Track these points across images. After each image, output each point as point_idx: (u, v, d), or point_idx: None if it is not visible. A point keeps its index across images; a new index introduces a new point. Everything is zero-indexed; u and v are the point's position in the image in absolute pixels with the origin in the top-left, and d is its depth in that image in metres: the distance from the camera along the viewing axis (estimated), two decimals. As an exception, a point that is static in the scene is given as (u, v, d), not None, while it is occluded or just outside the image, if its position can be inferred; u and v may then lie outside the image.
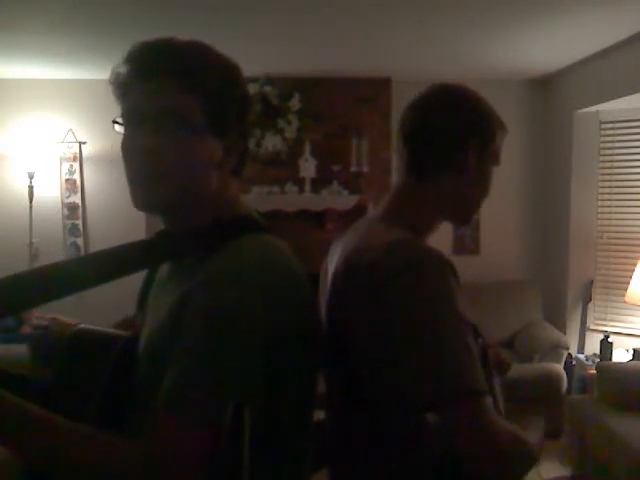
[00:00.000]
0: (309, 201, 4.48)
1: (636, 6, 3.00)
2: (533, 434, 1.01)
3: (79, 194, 4.68)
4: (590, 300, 4.30)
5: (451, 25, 3.38)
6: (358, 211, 4.27)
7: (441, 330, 0.90)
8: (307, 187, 4.50)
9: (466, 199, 1.13)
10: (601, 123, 4.27)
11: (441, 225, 1.15)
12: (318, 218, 4.51)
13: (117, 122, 0.91)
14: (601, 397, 3.16)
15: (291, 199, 4.47)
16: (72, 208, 4.68)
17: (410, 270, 0.93)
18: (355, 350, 1.00)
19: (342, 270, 1.03)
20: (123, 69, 0.90)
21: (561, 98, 4.53)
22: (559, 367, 3.82)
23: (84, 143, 4.64)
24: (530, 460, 0.90)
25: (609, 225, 4.30)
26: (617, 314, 4.21)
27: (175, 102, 0.87)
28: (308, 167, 4.49)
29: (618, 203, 4.26)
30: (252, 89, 4.20)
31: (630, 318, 4.11)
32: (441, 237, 1.59)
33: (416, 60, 4.15)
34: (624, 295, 3.85)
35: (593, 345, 4.11)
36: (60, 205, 4.67)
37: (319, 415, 1.07)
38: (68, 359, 0.96)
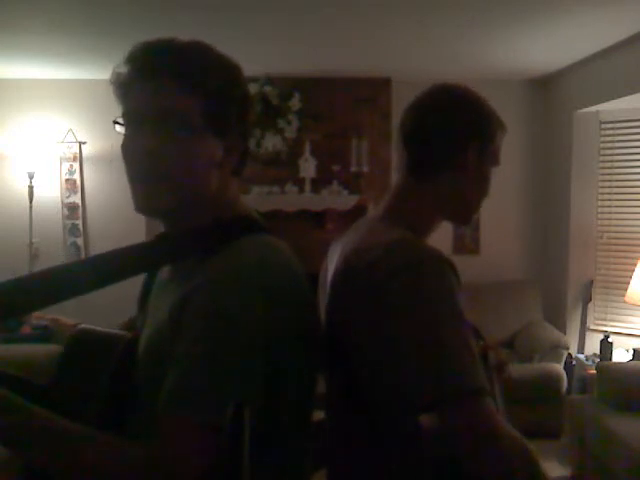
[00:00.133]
0: (309, 201, 4.48)
1: (636, 6, 3.00)
2: None
3: (79, 194, 4.68)
4: (590, 300, 4.30)
5: (451, 25, 3.38)
6: (358, 211, 4.27)
7: (441, 330, 0.90)
8: (307, 187, 4.50)
9: (466, 199, 1.14)
10: (601, 123, 4.27)
11: (441, 225, 1.15)
12: (318, 218, 4.51)
13: (118, 122, 0.92)
14: (601, 397, 3.15)
15: (291, 199, 4.47)
16: (72, 208, 4.68)
17: (410, 270, 0.93)
18: (355, 350, 1.00)
19: (342, 270, 1.03)
20: (124, 69, 0.90)
21: (561, 98, 4.53)
22: (559, 367, 3.82)
23: (84, 143, 4.64)
24: (531, 464, 0.89)
25: (609, 225, 4.30)
26: (617, 314, 4.21)
27: (176, 102, 0.87)
28: (308, 167, 4.49)
29: (618, 203, 4.26)
30: (252, 89, 4.19)
31: (630, 318, 4.11)
32: (441, 237, 1.59)
33: (416, 60, 4.15)
34: (624, 295, 3.84)
35: (593, 345, 4.11)
36: (60, 205, 4.67)
37: (319, 415, 1.07)
38: (68, 359, 0.96)
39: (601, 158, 4.29)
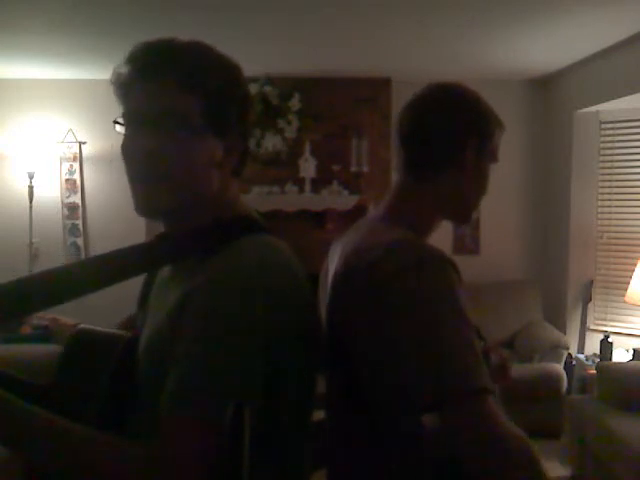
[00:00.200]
0: (309, 201, 4.48)
1: (636, 6, 3.00)
2: None
3: (79, 194, 4.68)
4: (590, 300, 4.30)
5: (451, 25, 3.38)
6: (358, 211, 4.27)
7: (442, 330, 0.90)
8: (307, 187, 4.50)
9: (465, 197, 1.14)
10: (601, 123, 4.27)
11: (441, 225, 1.15)
12: (318, 218, 4.51)
13: (118, 122, 0.92)
14: (601, 397, 3.15)
15: (291, 199, 4.47)
16: (72, 208, 4.68)
17: (410, 270, 0.93)
18: (356, 351, 0.99)
19: (342, 271, 1.03)
20: (124, 69, 0.90)
21: (561, 98, 4.53)
22: (559, 367, 3.82)
23: (84, 143, 4.64)
24: (533, 464, 0.88)
25: (609, 225, 4.30)
26: (617, 314, 4.21)
27: (176, 102, 0.87)
28: (308, 167, 4.49)
29: (618, 203, 4.26)
30: (252, 89, 4.19)
31: (630, 318, 4.11)
32: (441, 237, 1.59)
33: (416, 60, 4.15)
34: (624, 295, 3.84)
35: (593, 345, 4.10)
36: (60, 205, 4.67)
37: (319, 415, 1.07)
38: (68, 359, 0.96)
39: (601, 158, 4.29)
